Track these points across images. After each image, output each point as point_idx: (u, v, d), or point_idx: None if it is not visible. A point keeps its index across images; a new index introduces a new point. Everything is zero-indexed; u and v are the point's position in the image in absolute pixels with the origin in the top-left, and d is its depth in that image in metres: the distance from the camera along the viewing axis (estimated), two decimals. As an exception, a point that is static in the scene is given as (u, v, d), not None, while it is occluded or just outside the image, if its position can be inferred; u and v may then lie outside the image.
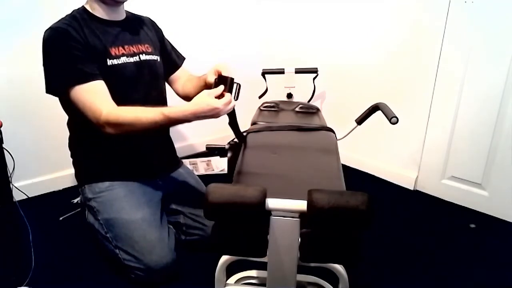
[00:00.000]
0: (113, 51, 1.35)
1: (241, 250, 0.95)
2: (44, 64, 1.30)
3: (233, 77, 1.19)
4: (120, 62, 1.36)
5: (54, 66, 1.29)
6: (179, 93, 1.60)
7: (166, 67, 1.56)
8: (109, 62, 1.34)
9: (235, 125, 1.27)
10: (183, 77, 1.61)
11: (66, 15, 1.35)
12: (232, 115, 1.23)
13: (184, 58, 1.66)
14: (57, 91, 1.32)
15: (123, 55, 1.37)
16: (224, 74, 1.23)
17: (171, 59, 1.61)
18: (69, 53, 1.27)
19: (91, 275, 1.43)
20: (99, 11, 1.37)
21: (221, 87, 1.14)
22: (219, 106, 1.10)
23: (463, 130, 1.86)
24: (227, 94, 1.13)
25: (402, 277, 1.45)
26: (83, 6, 1.38)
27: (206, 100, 1.12)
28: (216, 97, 1.12)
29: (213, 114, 1.12)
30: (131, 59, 1.39)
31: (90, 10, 1.37)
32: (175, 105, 1.20)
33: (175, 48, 1.65)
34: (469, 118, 1.83)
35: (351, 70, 2.23)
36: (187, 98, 1.52)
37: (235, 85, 1.19)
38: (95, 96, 1.27)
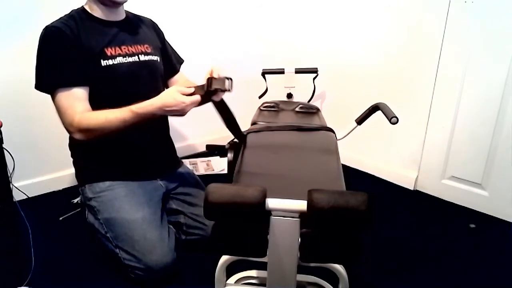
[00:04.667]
0: (109, 51, 1.35)
1: (241, 250, 0.95)
2: (37, 61, 1.31)
3: (215, 76, 1.18)
4: (115, 63, 1.36)
5: (43, 65, 1.30)
6: None
7: (165, 70, 1.56)
8: (104, 62, 1.34)
9: (235, 127, 1.27)
10: (180, 81, 1.62)
11: (65, 15, 1.36)
12: (229, 117, 1.24)
13: (182, 61, 1.66)
14: (43, 89, 1.33)
15: (119, 55, 1.37)
16: (214, 74, 1.20)
17: (171, 63, 1.61)
18: (60, 54, 1.28)
19: (91, 275, 1.43)
20: (97, 12, 1.37)
21: (191, 89, 1.18)
22: (186, 101, 1.15)
23: (463, 130, 1.86)
24: (195, 96, 1.16)
25: (402, 277, 1.45)
26: (82, 6, 1.39)
27: (173, 94, 1.17)
28: (185, 95, 1.17)
29: (180, 109, 1.17)
30: (129, 59, 1.39)
31: (89, 11, 1.37)
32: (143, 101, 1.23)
33: (175, 51, 1.65)
34: (469, 118, 1.83)
35: (351, 70, 2.23)
36: None
37: (227, 81, 1.18)
38: (72, 102, 1.28)
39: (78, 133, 1.28)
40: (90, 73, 1.32)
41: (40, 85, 1.32)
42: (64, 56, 1.28)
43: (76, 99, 1.29)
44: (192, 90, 1.19)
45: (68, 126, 1.29)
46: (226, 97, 1.22)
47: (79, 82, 1.30)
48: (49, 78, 1.30)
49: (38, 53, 1.30)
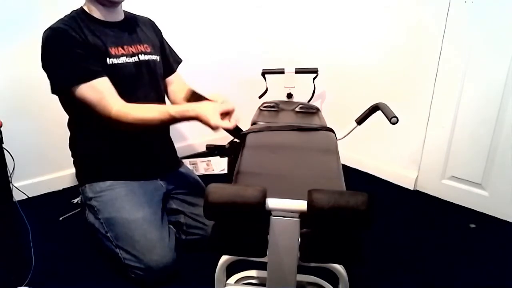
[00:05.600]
0: (113, 51, 1.36)
1: (241, 250, 0.95)
2: (47, 64, 1.30)
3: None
4: (120, 62, 1.36)
5: (57, 66, 1.29)
6: (169, 97, 1.62)
7: (163, 69, 1.56)
8: (109, 61, 1.34)
9: (236, 130, 1.29)
10: (175, 82, 1.63)
11: (65, 16, 1.35)
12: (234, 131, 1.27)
13: (180, 61, 1.66)
14: (63, 90, 1.32)
15: (122, 55, 1.38)
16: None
17: (169, 63, 1.61)
18: (71, 51, 1.27)
19: (91, 275, 1.43)
20: (96, 13, 1.37)
21: (230, 106, 1.18)
22: (213, 124, 1.12)
23: (463, 130, 1.86)
24: (228, 122, 1.17)
25: (402, 277, 1.45)
26: (81, 7, 1.39)
27: (209, 113, 1.13)
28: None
29: (205, 124, 1.16)
30: (131, 59, 1.40)
31: (88, 12, 1.37)
32: (180, 105, 1.25)
33: (173, 51, 1.65)
34: (469, 118, 1.83)
35: (351, 70, 2.23)
36: (175, 104, 1.59)
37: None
38: (102, 93, 1.28)
39: (116, 124, 1.30)
40: (100, 68, 1.31)
41: (58, 87, 1.31)
42: (74, 53, 1.27)
43: (103, 90, 1.29)
44: (230, 109, 1.20)
45: (104, 117, 1.30)
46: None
47: (99, 73, 1.30)
48: (66, 77, 1.29)
49: (46, 55, 1.29)
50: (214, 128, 1.13)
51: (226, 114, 1.17)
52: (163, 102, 1.56)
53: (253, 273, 1.29)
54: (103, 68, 1.32)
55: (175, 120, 1.24)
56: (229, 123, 1.15)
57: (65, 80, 1.29)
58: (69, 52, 1.27)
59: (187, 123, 1.24)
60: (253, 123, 1.53)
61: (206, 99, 1.32)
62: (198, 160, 2.38)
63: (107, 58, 1.34)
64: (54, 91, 1.32)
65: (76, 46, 1.27)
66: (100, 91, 1.28)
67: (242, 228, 0.92)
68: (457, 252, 1.59)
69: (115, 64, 1.35)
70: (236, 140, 1.34)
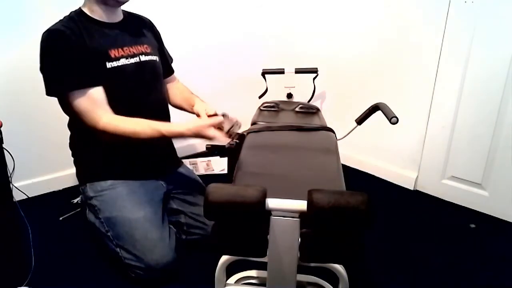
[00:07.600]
0: (113, 53, 1.35)
1: (241, 250, 0.95)
2: (43, 67, 1.30)
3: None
4: (119, 64, 1.36)
5: (52, 69, 1.29)
6: (168, 97, 1.62)
7: (162, 70, 1.57)
8: (109, 65, 1.34)
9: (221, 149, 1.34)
10: (173, 82, 1.64)
11: (64, 17, 1.35)
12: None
13: (172, 61, 1.68)
14: (56, 94, 1.32)
15: (122, 56, 1.37)
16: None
17: (168, 65, 1.62)
18: (68, 56, 1.27)
19: (91, 275, 1.43)
20: (97, 13, 1.37)
21: (220, 118, 1.27)
22: (209, 136, 1.22)
23: (463, 130, 1.86)
24: (221, 132, 1.26)
25: (402, 277, 1.45)
26: (80, 8, 1.38)
27: (204, 129, 1.22)
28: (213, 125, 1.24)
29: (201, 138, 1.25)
30: (131, 60, 1.40)
31: (88, 13, 1.36)
32: (173, 123, 1.33)
33: (168, 53, 1.66)
34: (469, 118, 1.83)
35: (351, 70, 2.23)
36: (172, 105, 1.64)
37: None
38: (93, 103, 1.29)
39: (103, 135, 1.31)
40: (97, 75, 1.31)
41: (52, 91, 1.31)
42: (71, 57, 1.27)
43: (94, 99, 1.30)
44: (221, 121, 1.27)
45: (92, 127, 1.31)
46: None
47: (92, 82, 1.30)
48: (61, 83, 1.29)
49: (43, 58, 1.29)
50: (211, 137, 1.22)
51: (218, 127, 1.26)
52: (165, 102, 1.57)
53: (253, 273, 1.29)
54: (102, 72, 1.32)
55: (165, 138, 1.30)
56: (222, 135, 1.24)
57: (60, 84, 1.29)
58: (66, 56, 1.27)
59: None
60: (253, 123, 1.53)
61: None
62: (198, 160, 2.38)
63: (106, 62, 1.33)
64: (48, 93, 1.32)
65: (74, 50, 1.27)
66: (93, 100, 1.29)
67: (242, 228, 0.92)
68: (457, 252, 1.59)
69: (114, 67, 1.35)
70: (235, 140, 1.35)
